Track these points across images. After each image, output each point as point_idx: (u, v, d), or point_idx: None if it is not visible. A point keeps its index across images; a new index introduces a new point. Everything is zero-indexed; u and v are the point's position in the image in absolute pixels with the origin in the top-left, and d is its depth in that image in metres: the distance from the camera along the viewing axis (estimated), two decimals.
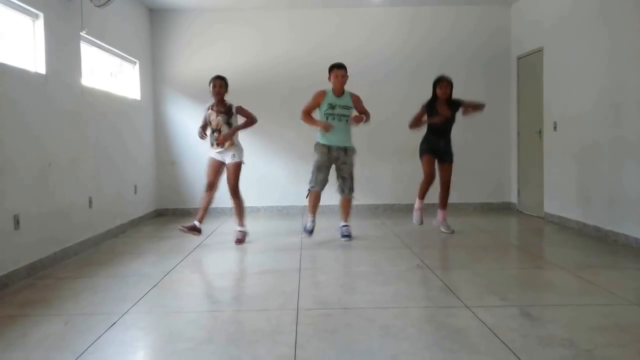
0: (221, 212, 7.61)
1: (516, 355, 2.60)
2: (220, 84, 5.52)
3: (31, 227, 4.40)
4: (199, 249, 5.40)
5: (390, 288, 3.87)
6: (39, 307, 3.56)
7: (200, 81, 7.68)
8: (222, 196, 5.83)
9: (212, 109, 5.55)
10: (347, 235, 5.67)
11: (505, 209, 8.07)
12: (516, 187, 7.94)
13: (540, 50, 7.04)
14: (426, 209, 6.16)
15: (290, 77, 7.96)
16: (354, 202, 5.85)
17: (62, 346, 2.84)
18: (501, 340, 2.80)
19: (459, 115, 5.95)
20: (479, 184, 8.07)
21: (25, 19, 4.67)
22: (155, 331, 3.20)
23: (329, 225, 6.27)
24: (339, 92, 5.55)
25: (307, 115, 5.60)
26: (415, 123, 5.97)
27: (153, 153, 7.93)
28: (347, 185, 5.62)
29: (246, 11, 7.95)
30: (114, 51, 6.60)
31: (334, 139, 5.56)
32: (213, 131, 5.52)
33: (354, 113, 5.58)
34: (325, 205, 5.78)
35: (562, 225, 6.44)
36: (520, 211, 7.76)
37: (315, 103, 5.60)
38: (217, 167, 5.57)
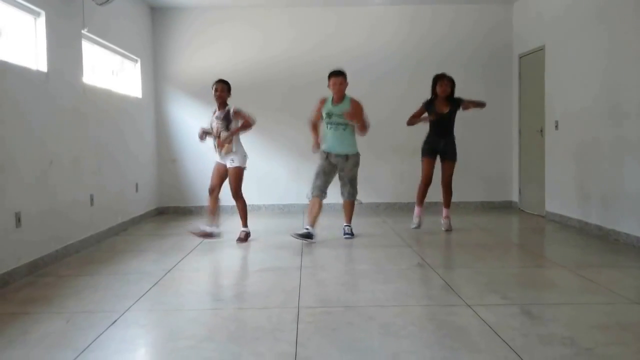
0: (222, 210, 7.58)
1: (517, 354, 2.60)
2: (222, 87, 5.48)
3: (32, 224, 4.41)
4: (200, 247, 5.41)
5: (391, 286, 3.87)
6: (40, 304, 3.56)
7: (202, 79, 7.71)
8: (225, 196, 5.82)
9: (214, 114, 5.54)
10: (349, 234, 5.70)
11: (506, 207, 8.06)
12: (517, 185, 7.94)
13: (541, 49, 7.03)
14: (427, 207, 6.16)
15: (290, 75, 7.96)
16: (357, 205, 5.85)
17: (63, 343, 2.84)
18: (502, 339, 2.80)
19: (461, 113, 5.94)
20: (480, 182, 8.07)
21: (27, 17, 4.67)
22: (156, 329, 3.20)
23: (330, 224, 6.27)
24: (338, 100, 5.53)
25: (311, 125, 5.74)
26: (412, 120, 5.97)
27: (154, 151, 7.93)
28: (346, 190, 5.67)
29: (247, 9, 7.95)
30: (115, 49, 6.60)
31: (332, 147, 5.57)
32: (214, 137, 5.51)
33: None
34: (326, 204, 5.77)
35: (563, 223, 6.44)
36: (522, 210, 7.75)
37: (317, 112, 5.66)
38: (219, 171, 5.55)
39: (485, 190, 8.13)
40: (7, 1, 4.39)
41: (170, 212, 8.01)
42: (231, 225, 6.32)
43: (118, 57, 6.88)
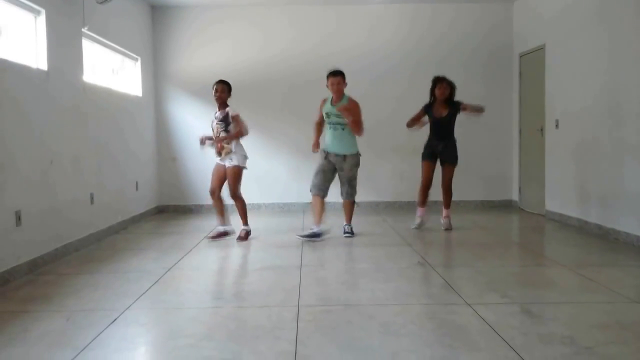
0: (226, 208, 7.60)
1: (517, 353, 2.60)
2: (222, 88, 5.46)
3: (32, 223, 4.41)
4: (200, 246, 5.41)
5: (391, 285, 3.87)
6: (40, 303, 3.57)
7: (202, 78, 7.71)
8: (225, 195, 5.81)
9: (215, 115, 5.54)
10: (349, 233, 5.70)
11: (506, 206, 8.06)
12: (517, 184, 7.94)
13: (542, 48, 7.03)
14: (429, 205, 6.15)
15: (290, 73, 7.95)
16: (356, 206, 5.86)
17: (63, 342, 2.84)
18: (502, 338, 2.80)
19: (462, 114, 5.95)
20: (481, 181, 8.06)
21: (27, 15, 4.67)
22: (156, 327, 3.20)
23: (330, 223, 6.26)
24: (336, 100, 5.53)
25: (315, 125, 5.77)
26: (411, 122, 5.99)
27: (154, 150, 7.93)
28: (345, 190, 5.67)
29: (247, 8, 7.94)
30: (115, 48, 6.60)
31: (331, 146, 5.58)
32: (214, 138, 5.51)
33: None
34: (326, 203, 5.76)
35: (563, 222, 6.44)
36: (522, 209, 7.76)
37: (319, 112, 5.69)
38: (219, 173, 5.53)
39: (486, 189, 8.13)
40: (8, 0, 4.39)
41: (170, 211, 8.01)
42: (232, 223, 6.30)
43: (118, 56, 6.87)
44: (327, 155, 5.60)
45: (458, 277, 4.13)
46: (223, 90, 5.46)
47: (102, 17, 5.99)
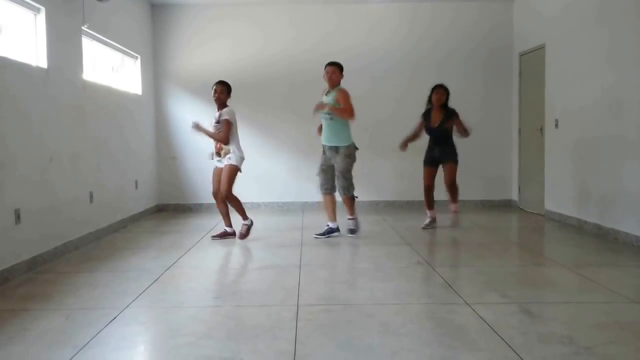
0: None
1: (516, 352, 2.60)
2: (220, 89, 5.41)
3: (32, 221, 4.40)
4: (200, 245, 5.41)
5: (391, 284, 3.87)
6: (40, 301, 3.57)
7: (202, 76, 7.71)
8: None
9: (214, 117, 5.51)
10: (352, 230, 5.61)
11: (505, 206, 8.07)
12: (517, 184, 7.94)
13: (542, 47, 7.03)
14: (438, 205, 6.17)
15: (290, 72, 7.95)
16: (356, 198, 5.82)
17: (63, 340, 2.84)
18: (501, 337, 2.80)
19: (463, 115, 5.95)
20: (480, 181, 8.06)
21: (27, 13, 4.67)
22: (156, 326, 3.20)
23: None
24: (329, 89, 5.50)
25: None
26: (408, 142, 6.01)
27: (154, 148, 7.93)
28: (339, 184, 5.51)
29: (247, 7, 7.94)
30: (115, 46, 6.59)
31: (324, 138, 5.54)
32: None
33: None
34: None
35: (562, 222, 6.44)
36: (521, 208, 7.76)
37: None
38: (218, 175, 5.50)
39: (485, 189, 8.13)
40: None
41: (169, 210, 8.01)
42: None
43: (118, 54, 6.87)
44: (323, 150, 5.58)
45: (457, 277, 4.13)
46: (222, 91, 5.42)
47: (102, 15, 5.99)
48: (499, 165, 8.12)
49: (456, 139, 5.97)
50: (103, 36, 6.11)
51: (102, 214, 5.86)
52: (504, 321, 3.05)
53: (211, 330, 3.01)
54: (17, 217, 4.20)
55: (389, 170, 8.05)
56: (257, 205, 7.92)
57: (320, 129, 5.64)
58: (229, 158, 5.40)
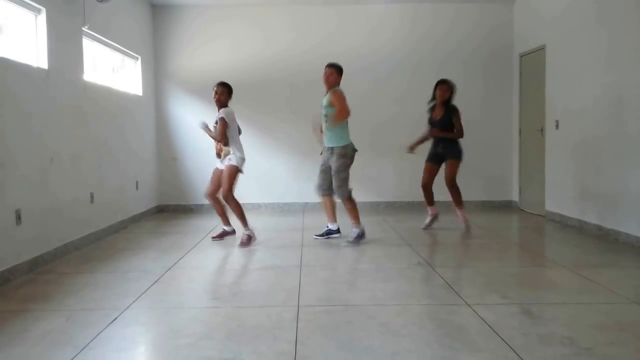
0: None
1: (516, 353, 2.60)
2: (221, 90, 5.37)
3: (33, 222, 4.41)
4: (200, 245, 5.41)
5: (391, 285, 3.87)
6: (41, 302, 3.57)
7: (202, 77, 7.71)
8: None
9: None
10: (352, 239, 5.36)
11: (506, 207, 8.07)
12: (517, 185, 7.94)
13: (542, 48, 7.03)
14: (439, 206, 6.16)
15: (291, 73, 7.95)
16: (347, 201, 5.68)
17: (63, 341, 2.84)
18: (501, 338, 2.80)
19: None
20: (481, 181, 8.06)
21: (28, 14, 4.67)
22: (156, 327, 3.20)
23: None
24: (326, 91, 5.46)
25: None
26: (416, 145, 6.04)
27: (154, 149, 7.93)
28: (334, 186, 5.38)
29: (248, 8, 7.94)
30: (116, 47, 6.60)
31: (324, 140, 5.51)
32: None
33: (332, 111, 5.31)
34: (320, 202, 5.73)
35: (563, 223, 6.44)
36: (522, 209, 7.76)
37: None
38: (216, 176, 5.48)
39: (486, 189, 8.13)
40: None
41: (170, 210, 8.01)
42: (232, 222, 6.29)
43: (119, 55, 6.87)
44: (322, 151, 5.56)
45: (458, 278, 4.13)
46: (222, 92, 5.38)
47: (103, 15, 5.99)
48: (500, 166, 8.12)
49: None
50: (103, 37, 6.11)
51: (103, 214, 5.86)
52: (504, 322, 3.05)
53: (212, 331, 3.01)
54: (18, 217, 4.20)
55: (390, 171, 8.05)
56: (257, 206, 7.93)
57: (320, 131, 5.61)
58: (229, 159, 5.37)
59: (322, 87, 5.68)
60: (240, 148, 5.44)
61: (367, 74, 7.83)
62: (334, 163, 5.36)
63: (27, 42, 4.66)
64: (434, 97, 5.97)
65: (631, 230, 5.17)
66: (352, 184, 5.45)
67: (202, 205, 7.88)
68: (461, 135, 5.82)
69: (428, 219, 6.12)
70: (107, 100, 6.15)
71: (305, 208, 7.94)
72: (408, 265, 4.50)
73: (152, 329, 3.18)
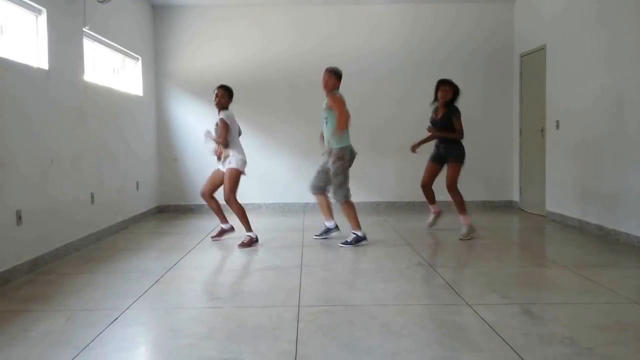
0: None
1: (517, 353, 2.60)
2: (222, 93, 5.35)
3: (33, 222, 4.41)
4: (201, 246, 5.41)
5: (392, 285, 3.87)
6: (41, 302, 3.57)
7: (203, 78, 7.72)
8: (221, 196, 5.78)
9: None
10: (348, 241, 5.30)
11: (507, 207, 8.06)
12: (518, 185, 7.94)
13: (543, 48, 7.03)
14: (440, 206, 6.15)
15: (291, 74, 7.95)
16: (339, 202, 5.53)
17: (64, 341, 2.84)
18: (502, 338, 2.80)
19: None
20: (481, 182, 8.06)
21: (28, 15, 4.67)
22: (157, 327, 3.20)
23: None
24: (326, 95, 5.44)
25: None
26: (419, 144, 5.99)
27: (155, 149, 7.93)
28: (332, 189, 5.38)
29: (248, 8, 7.94)
30: (116, 47, 6.60)
31: (324, 142, 5.51)
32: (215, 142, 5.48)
33: (331, 114, 5.30)
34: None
35: (563, 223, 6.44)
36: (522, 209, 7.75)
37: None
38: (213, 176, 5.48)
39: (486, 189, 8.13)
40: None
41: (170, 211, 8.01)
42: (232, 222, 6.30)
43: (119, 55, 6.88)
44: (323, 152, 5.56)
45: (459, 278, 4.13)
46: (223, 95, 5.36)
47: (103, 16, 5.99)
48: (500, 166, 8.12)
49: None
50: (104, 37, 6.12)
51: (103, 215, 5.86)
52: (505, 322, 3.05)
53: (212, 331, 3.01)
54: (19, 218, 4.20)
55: (391, 171, 8.05)
56: (258, 207, 7.93)
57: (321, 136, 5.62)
58: (229, 162, 5.35)
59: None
60: (240, 150, 5.42)
61: (368, 74, 7.84)
62: (330, 165, 5.35)
63: (27, 42, 4.67)
64: (436, 98, 5.93)
65: (632, 231, 5.16)
66: (353, 184, 5.43)
67: (202, 206, 7.87)
68: (461, 135, 5.79)
69: (431, 218, 6.11)
70: (108, 100, 6.16)
71: (305, 208, 7.94)
72: (408, 265, 4.50)
73: (152, 329, 3.18)
